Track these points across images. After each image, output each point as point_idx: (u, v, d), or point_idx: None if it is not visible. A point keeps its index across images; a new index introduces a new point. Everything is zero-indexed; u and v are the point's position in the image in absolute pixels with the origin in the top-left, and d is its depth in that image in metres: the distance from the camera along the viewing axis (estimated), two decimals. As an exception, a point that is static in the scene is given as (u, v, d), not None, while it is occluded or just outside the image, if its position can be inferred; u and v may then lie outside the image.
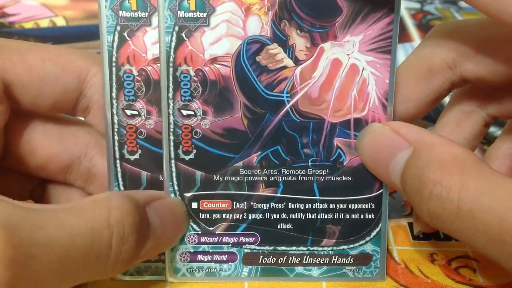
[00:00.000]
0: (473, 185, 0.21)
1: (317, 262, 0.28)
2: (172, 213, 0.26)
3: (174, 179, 0.27)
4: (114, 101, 0.26)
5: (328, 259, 0.28)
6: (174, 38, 0.25)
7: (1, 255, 0.18)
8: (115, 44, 0.26)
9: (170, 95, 0.26)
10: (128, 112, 0.26)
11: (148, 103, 0.26)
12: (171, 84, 0.26)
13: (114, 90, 0.26)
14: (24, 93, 0.26)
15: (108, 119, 0.26)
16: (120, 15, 0.25)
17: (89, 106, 0.27)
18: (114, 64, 0.26)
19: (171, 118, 0.26)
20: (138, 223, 0.23)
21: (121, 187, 0.27)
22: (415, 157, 0.23)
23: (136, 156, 0.27)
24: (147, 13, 0.25)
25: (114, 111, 0.26)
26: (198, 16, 0.25)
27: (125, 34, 0.25)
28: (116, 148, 0.27)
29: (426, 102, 0.27)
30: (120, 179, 0.27)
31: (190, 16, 0.25)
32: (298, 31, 0.25)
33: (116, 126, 0.26)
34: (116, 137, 0.27)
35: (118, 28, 0.25)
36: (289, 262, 0.28)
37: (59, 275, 0.20)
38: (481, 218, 0.21)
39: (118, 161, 0.27)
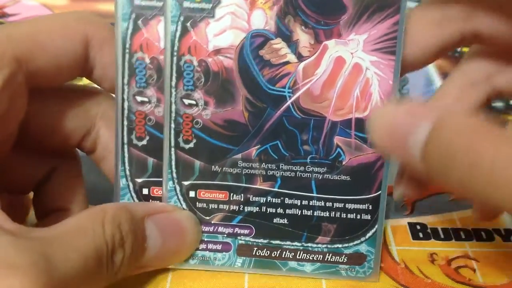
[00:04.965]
0: (505, 152, 0.20)
1: (311, 258, 0.28)
2: (177, 226, 0.27)
3: (173, 166, 0.27)
4: (125, 87, 0.27)
5: (321, 256, 0.28)
6: (179, 28, 0.26)
7: None
8: (129, 31, 0.26)
9: (173, 83, 0.26)
10: (139, 98, 0.27)
11: (159, 91, 0.27)
12: (174, 73, 0.26)
13: (126, 76, 0.26)
14: (42, 78, 0.26)
15: (118, 104, 0.27)
16: (135, 3, 0.26)
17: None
18: (127, 50, 0.26)
19: (173, 106, 0.27)
20: (129, 238, 0.24)
21: (127, 172, 0.28)
22: (440, 128, 0.22)
23: (144, 142, 0.27)
24: (161, 3, 0.26)
25: (125, 96, 0.27)
26: (204, 7, 0.25)
27: (140, 22, 0.26)
28: (125, 133, 0.27)
29: (433, 49, 0.26)
30: (126, 163, 0.27)
31: (195, 7, 0.25)
32: (303, 27, 0.25)
33: (126, 112, 0.27)
34: (125, 122, 0.27)
35: (133, 15, 0.26)
36: (283, 256, 0.28)
37: None
38: None
39: (126, 146, 0.27)
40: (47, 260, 0.20)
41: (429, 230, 0.32)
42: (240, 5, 0.25)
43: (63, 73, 0.26)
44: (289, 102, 0.26)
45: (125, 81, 0.27)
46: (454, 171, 0.22)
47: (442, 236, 0.32)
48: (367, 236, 0.28)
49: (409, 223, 0.33)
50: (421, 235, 0.32)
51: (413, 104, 0.25)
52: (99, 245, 0.23)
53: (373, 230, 0.28)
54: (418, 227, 0.33)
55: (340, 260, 0.28)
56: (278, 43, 0.26)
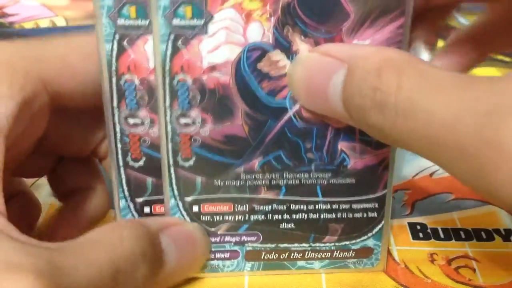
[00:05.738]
0: (407, 84, 0.19)
1: (319, 256, 0.28)
2: (189, 238, 0.26)
3: (174, 184, 0.26)
4: (115, 110, 0.25)
5: (330, 253, 0.28)
6: (169, 47, 0.24)
7: None
8: (114, 53, 0.24)
9: (167, 104, 0.25)
10: (131, 121, 0.25)
11: (152, 111, 0.25)
12: (167, 93, 0.24)
13: (115, 99, 0.25)
14: (68, 101, 0.25)
15: (110, 128, 0.25)
16: (118, 23, 0.23)
17: None
18: (114, 73, 0.24)
19: (169, 126, 0.25)
20: (148, 252, 0.23)
21: (126, 193, 0.27)
22: (351, 74, 0.21)
23: (141, 163, 0.26)
24: (146, 22, 0.23)
25: (116, 120, 0.25)
26: (195, 24, 0.23)
27: (125, 43, 0.24)
28: (120, 156, 0.26)
29: None
30: (124, 185, 0.26)
31: (186, 24, 0.23)
32: (302, 37, 0.24)
33: (119, 135, 0.25)
34: (119, 145, 0.26)
35: (117, 36, 0.24)
36: (291, 257, 0.28)
37: None
38: (414, 117, 0.19)
39: (122, 168, 0.26)
40: (55, 267, 0.19)
41: (429, 230, 0.32)
42: (234, 19, 0.23)
43: (91, 98, 0.25)
44: (290, 113, 0.25)
45: (115, 104, 0.25)
46: (368, 116, 0.20)
47: (442, 236, 0.32)
48: (374, 232, 0.28)
49: (409, 223, 0.33)
50: (421, 235, 0.32)
51: (327, 47, 0.23)
52: (117, 260, 0.22)
53: (379, 226, 0.28)
54: (418, 227, 0.32)
55: (348, 256, 0.29)
56: (277, 55, 0.24)
